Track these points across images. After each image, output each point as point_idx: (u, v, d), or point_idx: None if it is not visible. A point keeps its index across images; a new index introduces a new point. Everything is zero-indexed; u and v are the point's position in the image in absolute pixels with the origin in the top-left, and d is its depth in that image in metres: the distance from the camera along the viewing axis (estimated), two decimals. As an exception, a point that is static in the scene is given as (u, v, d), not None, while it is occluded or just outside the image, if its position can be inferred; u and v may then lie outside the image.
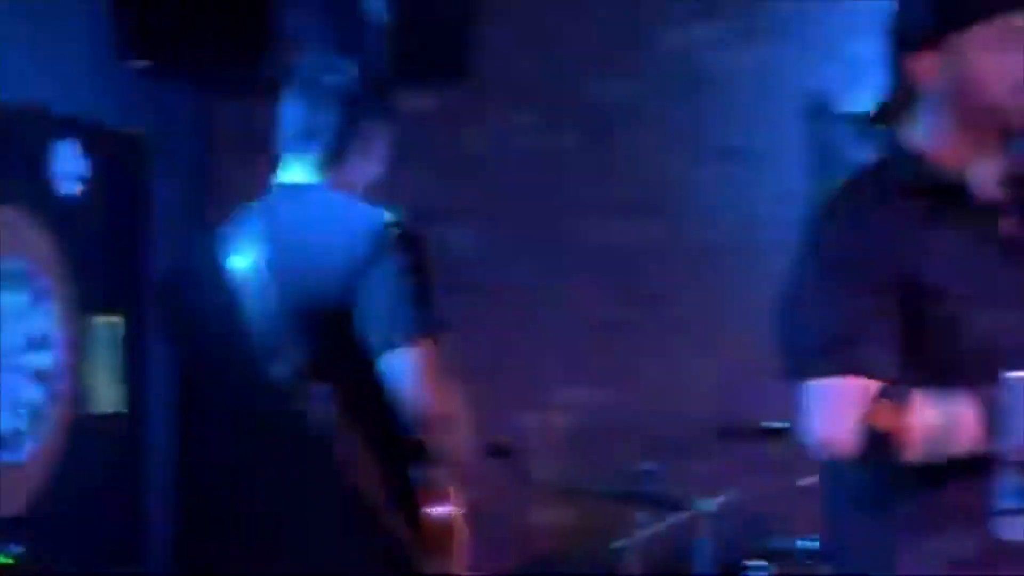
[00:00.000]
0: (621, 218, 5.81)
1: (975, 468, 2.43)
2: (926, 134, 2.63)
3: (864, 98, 2.86)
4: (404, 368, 3.02)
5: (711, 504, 4.83)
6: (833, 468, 2.66)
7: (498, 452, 4.82)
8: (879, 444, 2.44)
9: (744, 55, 5.78)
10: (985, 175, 2.59)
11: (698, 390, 5.63)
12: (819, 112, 5.63)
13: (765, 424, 4.86)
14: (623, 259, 5.80)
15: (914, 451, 2.43)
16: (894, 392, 2.45)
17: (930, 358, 2.49)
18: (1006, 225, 2.58)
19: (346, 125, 3.25)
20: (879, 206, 2.57)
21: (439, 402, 3.04)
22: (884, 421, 2.43)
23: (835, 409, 2.49)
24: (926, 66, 2.59)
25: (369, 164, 3.31)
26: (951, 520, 2.51)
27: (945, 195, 2.57)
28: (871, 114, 2.74)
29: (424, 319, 3.04)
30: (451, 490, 3.19)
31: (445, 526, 3.16)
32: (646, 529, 4.94)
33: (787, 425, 4.77)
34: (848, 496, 2.66)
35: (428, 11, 5.00)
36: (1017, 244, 2.55)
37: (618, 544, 4.96)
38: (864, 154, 2.81)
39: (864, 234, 2.54)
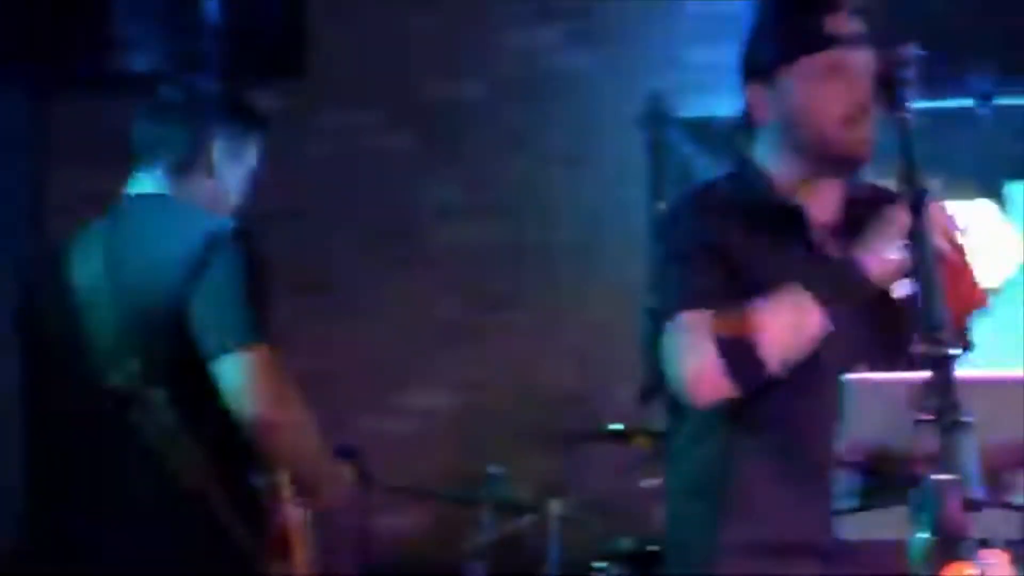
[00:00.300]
0: (465, 220, 5.81)
1: (804, 467, 2.60)
2: (765, 158, 2.78)
3: (702, 104, 2.96)
4: (236, 373, 3.03)
5: (557, 506, 4.84)
6: (672, 461, 2.80)
7: (343, 455, 4.79)
8: (739, 358, 2.57)
9: (585, 58, 5.82)
10: (820, 200, 2.76)
11: (543, 392, 5.64)
12: (658, 117, 5.68)
13: (611, 426, 4.89)
14: (468, 261, 5.80)
15: (771, 351, 2.56)
16: (734, 309, 2.60)
17: None
18: (835, 249, 2.72)
19: (192, 136, 3.26)
20: (722, 219, 2.71)
21: (272, 406, 3.05)
22: (734, 328, 2.56)
23: (694, 342, 2.61)
24: (757, 97, 2.75)
25: (230, 172, 3.32)
26: (778, 516, 2.64)
27: (782, 217, 2.73)
28: (732, 130, 2.86)
29: (256, 324, 3.05)
30: (291, 494, 3.19)
31: (285, 529, 3.17)
32: (493, 532, 4.94)
33: (631, 427, 4.85)
34: (682, 488, 2.79)
35: (262, 11, 4.96)
36: (845, 268, 2.65)
37: (465, 547, 4.95)
38: (701, 159, 2.93)
39: (707, 241, 2.70)
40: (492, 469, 5.00)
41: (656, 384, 2.98)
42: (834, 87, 2.68)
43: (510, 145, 5.85)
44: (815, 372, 2.61)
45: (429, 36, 5.87)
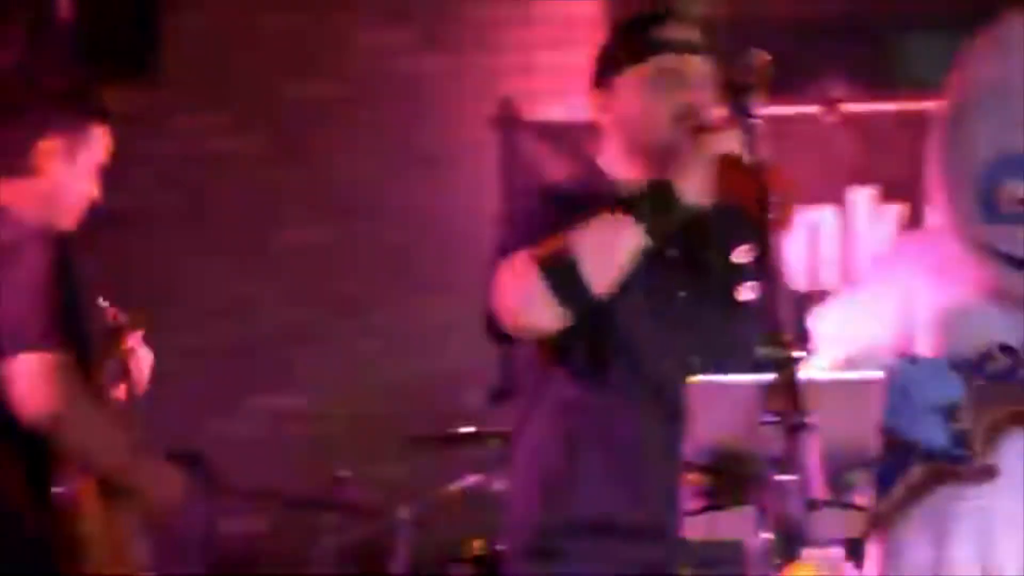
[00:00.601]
0: (317, 221, 5.78)
1: (635, 456, 2.70)
2: (609, 161, 2.86)
3: (553, 107, 3.01)
4: (23, 374, 3.08)
5: (406, 510, 4.83)
6: (515, 441, 2.86)
7: (186, 459, 4.75)
8: (561, 277, 2.62)
9: (439, 60, 5.81)
10: None
11: (393, 395, 5.63)
12: (509, 120, 5.69)
13: (462, 429, 4.89)
14: (319, 263, 5.76)
15: (592, 269, 2.62)
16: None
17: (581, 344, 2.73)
18: (667, 248, 2.78)
19: (22, 137, 3.26)
20: (563, 214, 2.72)
21: (57, 408, 3.09)
22: (553, 249, 2.63)
23: (518, 271, 2.66)
24: (599, 103, 2.85)
25: (69, 171, 3.31)
26: (603, 497, 2.72)
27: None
28: (581, 134, 2.96)
29: (47, 326, 3.09)
30: (89, 492, 3.20)
31: (82, 526, 3.18)
32: (341, 536, 4.92)
33: (482, 430, 4.86)
34: (520, 466, 2.86)
35: (113, 11, 4.89)
36: (679, 264, 2.79)
37: (312, 551, 4.92)
38: (552, 162, 2.99)
39: (549, 225, 2.73)
40: (341, 472, 4.98)
41: (506, 386, 3.01)
42: (664, 91, 2.77)
43: (363, 146, 5.83)
44: (656, 368, 2.72)
45: (282, 36, 5.83)
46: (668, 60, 2.78)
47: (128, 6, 5.00)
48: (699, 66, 2.78)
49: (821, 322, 3.18)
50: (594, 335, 2.74)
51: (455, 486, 4.83)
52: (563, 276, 2.64)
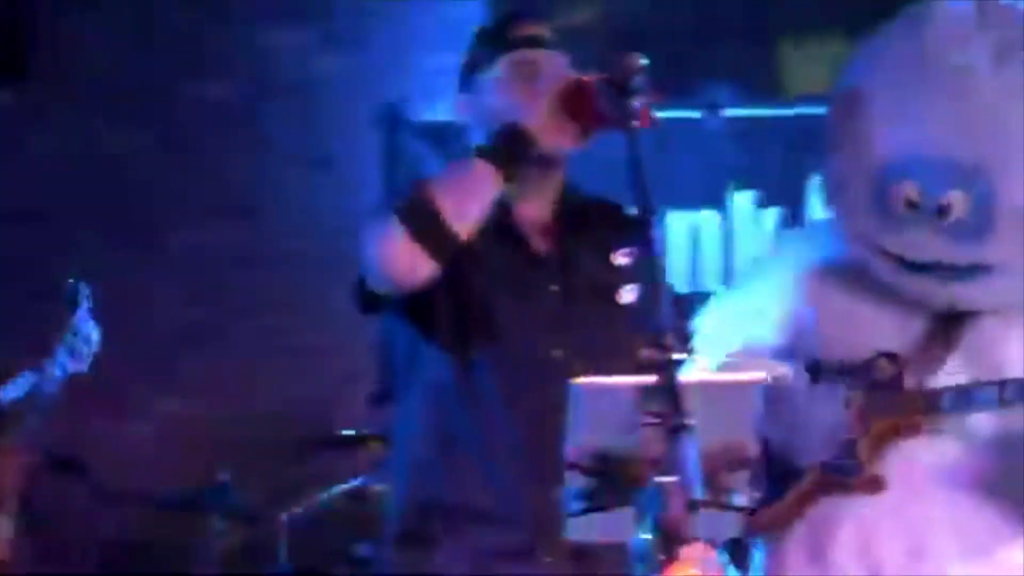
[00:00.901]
0: (207, 222, 5.73)
1: (502, 446, 2.77)
2: None
3: (437, 109, 3.05)
4: None
5: (291, 513, 4.81)
6: (394, 445, 2.95)
7: (67, 463, 4.70)
8: (423, 223, 2.68)
9: (328, 61, 5.80)
10: (531, 200, 2.92)
11: (278, 398, 5.60)
12: (394, 121, 5.69)
13: (344, 432, 4.88)
14: (208, 264, 5.71)
15: (452, 213, 2.69)
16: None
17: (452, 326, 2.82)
18: (538, 244, 2.91)
19: None
20: None
21: None
22: (413, 196, 2.73)
23: (381, 224, 2.73)
24: (461, 105, 2.95)
25: None
26: (484, 503, 2.80)
27: (494, 215, 2.82)
28: (460, 134, 2.99)
29: None
30: None
31: None
32: (225, 539, 4.89)
33: (364, 433, 4.85)
34: (397, 476, 2.93)
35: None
36: (546, 261, 2.90)
37: (196, 554, 4.89)
38: (434, 162, 3.03)
39: None
40: (222, 475, 4.94)
41: (387, 389, 3.03)
42: (518, 87, 2.85)
43: (252, 146, 5.80)
44: (521, 356, 2.80)
45: (174, 34, 5.78)
46: (520, 55, 2.88)
47: (7, 2, 4.93)
48: (551, 60, 2.88)
49: (704, 323, 3.22)
50: (458, 313, 2.81)
51: (338, 488, 4.82)
52: (422, 219, 2.69)
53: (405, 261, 2.71)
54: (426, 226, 2.69)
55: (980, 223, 3.01)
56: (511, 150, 2.72)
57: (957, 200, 3.00)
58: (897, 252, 3.08)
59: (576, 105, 2.69)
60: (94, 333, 3.49)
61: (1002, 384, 3.00)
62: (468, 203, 2.72)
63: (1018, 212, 3.01)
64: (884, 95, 3.10)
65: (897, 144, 3.06)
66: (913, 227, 3.05)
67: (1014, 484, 3.05)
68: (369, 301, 2.82)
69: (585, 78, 2.68)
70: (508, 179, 2.72)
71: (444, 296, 2.79)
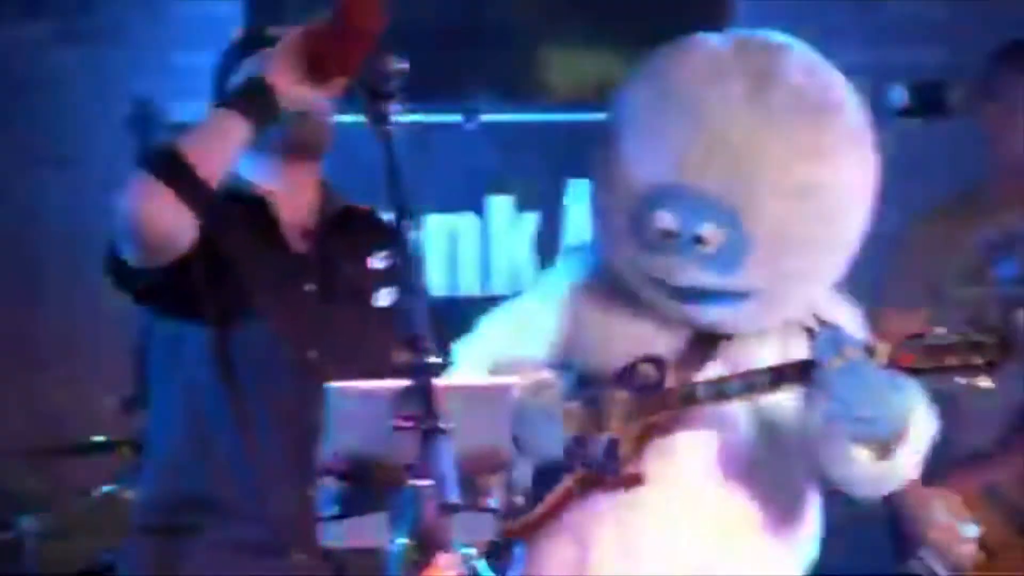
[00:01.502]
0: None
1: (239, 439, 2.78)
2: (245, 165, 2.90)
3: (190, 109, 3.06)
4: None
5: (33, 523, 4.71)
6: (145, 462, 2.97)
7: None
8: (167, 169, 2.70)
9: (73, 56, 5.68)
10: (292, 202, 2.95)
11: (20, 406, 5.47)
12: (146, 120, 5.59)
13: (93, 438, 4.80)
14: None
15: (201, 162, 2.70)
16: None
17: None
18: (297, 244, 2.93)
19: None
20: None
21: None
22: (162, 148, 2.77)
23: (129, 186, 2.74)
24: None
25: None
26: (243, 510, 2.79)
27: (252, 212, 2.90)
28: None
29: None
30: None
31: None
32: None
33: (114, 439, 4.77)
34: (147, 470, 2.96)
35: None
36: (304, 260, 2.92)
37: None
38: None
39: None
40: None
41: (140, 393, 3.00)
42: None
43: (-1, 142, 5.65)
44: (293, 369, 2.81)
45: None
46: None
47: None
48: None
49: (480, 330, 3.29)
50: (218, 293, 2.81)
51: (86, 495, 4.74)
52: (171, 168, 2.69)
53: (155, 212, 2.68)
54: (175, 173, 2.68)
55: (733, 253, 3.09)
56: (250, 96, 2.73)
57: (711, 232, 3.08)
58: (659, 277, 3.16)
59: (312, 52, 2.72)
60: None
61: (751, 373, 3.12)
62: (214, 151, 2.72)
63: (769, 241, 3.09)
64: (640, 127, 3.17)
65: (652, 175, 3.13)
66: (673, 254, 3.12)
67: (772, 475, 3.18)
68: (124, 275, 2.78)
69: (313, 26, 2.73)
70: (256, 128, 2.73)
71: (203, 278, 2.79)
